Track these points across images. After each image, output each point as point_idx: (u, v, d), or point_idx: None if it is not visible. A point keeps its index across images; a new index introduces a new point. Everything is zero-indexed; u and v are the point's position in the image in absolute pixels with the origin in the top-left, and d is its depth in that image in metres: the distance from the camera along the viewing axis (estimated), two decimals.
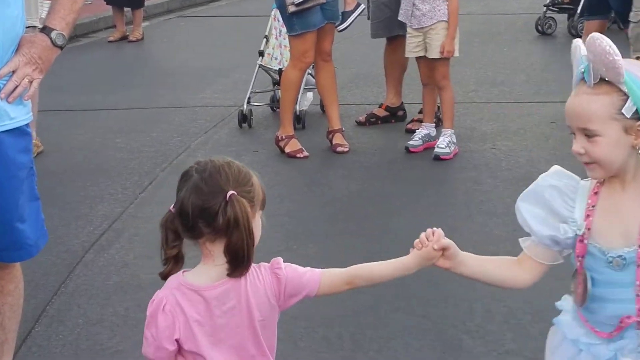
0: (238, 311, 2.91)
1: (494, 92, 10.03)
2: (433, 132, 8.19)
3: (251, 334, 2.94)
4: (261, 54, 9.27)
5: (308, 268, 2.98)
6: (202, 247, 2.88)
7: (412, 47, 8.10)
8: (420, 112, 8.61)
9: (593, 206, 2.83)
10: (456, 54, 8.02)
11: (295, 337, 4.90)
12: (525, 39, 13.12)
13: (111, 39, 13.20)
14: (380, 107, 9.18)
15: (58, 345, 5.02)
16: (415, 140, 8.15)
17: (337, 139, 8.17)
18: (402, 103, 9.19)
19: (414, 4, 7.91)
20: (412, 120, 8.85)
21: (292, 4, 7.79)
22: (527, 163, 7.74)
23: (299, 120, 8.76)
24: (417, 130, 8.30)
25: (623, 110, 2.67)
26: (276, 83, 9.14)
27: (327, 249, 6.19)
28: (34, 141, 7.78)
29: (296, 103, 8.54)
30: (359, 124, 8.98)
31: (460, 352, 4.80)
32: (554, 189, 2.91)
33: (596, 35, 2.67)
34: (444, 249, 3.02)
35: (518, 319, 5.17)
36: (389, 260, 3.05)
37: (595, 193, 2.84)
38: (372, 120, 9.03)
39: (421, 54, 8.06)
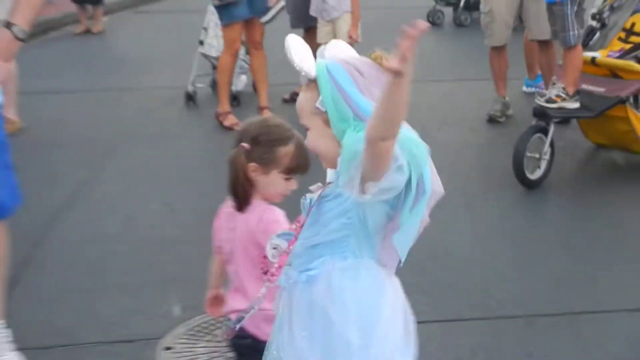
0: (236, 233, 3.03)
1: None
2: None
3: (238, 259, 3.05)
4: (201, 42, 9.23)
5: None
6: None
7: (324, 35, 8.14)
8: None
9: None
10: (359, 39, 8.07)
11: None
12: None
13: (77, 32, 13.04)
14: (300, 86, 9.16)
15: (41, 287, 5.04)
16: None
17: (266, 114, 8.19)
18: None
19: (323, 1, 7.98)
20: None
21: None
22: (421, 130, 7.69)
23: (235, 98, 8.75)
24: None
25: (317, 104, 2.38)
26: (215, 67, 9.11)
27: None
28: (13, 119, 7.80)
29: (231, 84, 8.56)
30: (285, 101, 8.96)
31: None
32: None
33: (288, 37, 2.45)
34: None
35: (417, 259, 5.26)
36: None
37: None
38: (295, 98, 9.00)
39: (332, 39, 8.09)
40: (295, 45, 2.43)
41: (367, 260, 2.47)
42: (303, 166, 3.03)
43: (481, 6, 8.19)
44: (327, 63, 2.38)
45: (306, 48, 2.45)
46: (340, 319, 2.41)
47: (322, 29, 8.16)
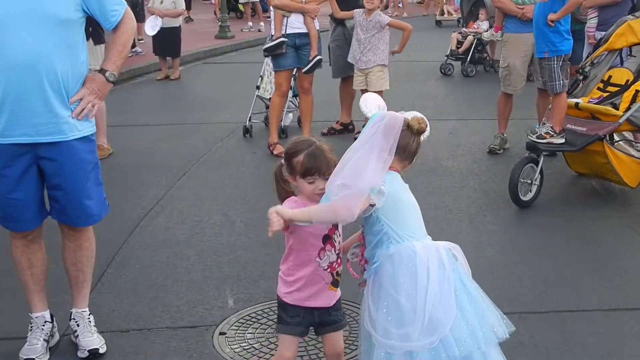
0: None
1: None
2: None
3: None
4: (257, 87, 9.24)
5: None
6: None
7: (358, 83, 8.13)
8: (364, 126, 8.56)
9: None
10: (387, 87, 8.02)
11: None
12: (433, 78, 13.11)
13: (158, 78, 13.08)
14: (337, 123, 9.16)
15: (122, 281, 5.01)
16: None
17: None
18: (351, 120, 9.17)
19: (361, 52, 7.94)
20: (358, 132, 8.81)
21: (264, 50, 8.04)
22: (433, 160, 7.74)
23: (283, 131, 8.72)
24: None
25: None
26: (267, 107, 9.10)
27: None
28: (105, 146, 7.83)
29: (281, 120, 8.53)
30: (323, 134, 8.92)
31: None
32: None
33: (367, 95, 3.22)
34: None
35: None
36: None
37: None
38: (332, 132, 9.01)
39: (364, 87, 8.07)
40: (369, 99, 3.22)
41: (403, 242, 2.98)
42: (312, 168, 3.04)
43: (501, 61, 8.09)
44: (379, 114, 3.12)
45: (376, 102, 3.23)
46: (393, 290, 2.91)
47: (357, 79, 8.15)
